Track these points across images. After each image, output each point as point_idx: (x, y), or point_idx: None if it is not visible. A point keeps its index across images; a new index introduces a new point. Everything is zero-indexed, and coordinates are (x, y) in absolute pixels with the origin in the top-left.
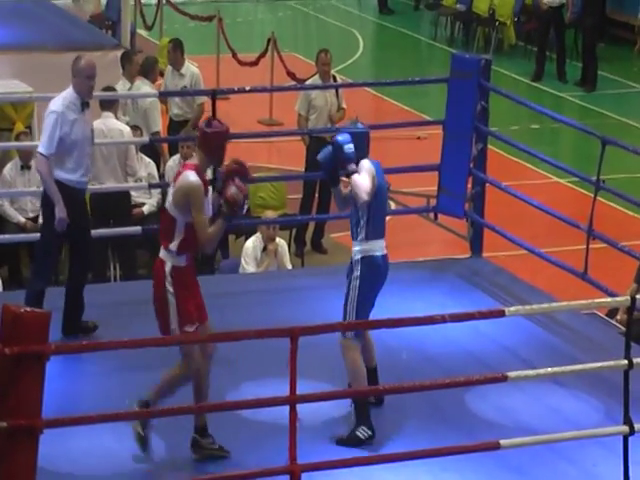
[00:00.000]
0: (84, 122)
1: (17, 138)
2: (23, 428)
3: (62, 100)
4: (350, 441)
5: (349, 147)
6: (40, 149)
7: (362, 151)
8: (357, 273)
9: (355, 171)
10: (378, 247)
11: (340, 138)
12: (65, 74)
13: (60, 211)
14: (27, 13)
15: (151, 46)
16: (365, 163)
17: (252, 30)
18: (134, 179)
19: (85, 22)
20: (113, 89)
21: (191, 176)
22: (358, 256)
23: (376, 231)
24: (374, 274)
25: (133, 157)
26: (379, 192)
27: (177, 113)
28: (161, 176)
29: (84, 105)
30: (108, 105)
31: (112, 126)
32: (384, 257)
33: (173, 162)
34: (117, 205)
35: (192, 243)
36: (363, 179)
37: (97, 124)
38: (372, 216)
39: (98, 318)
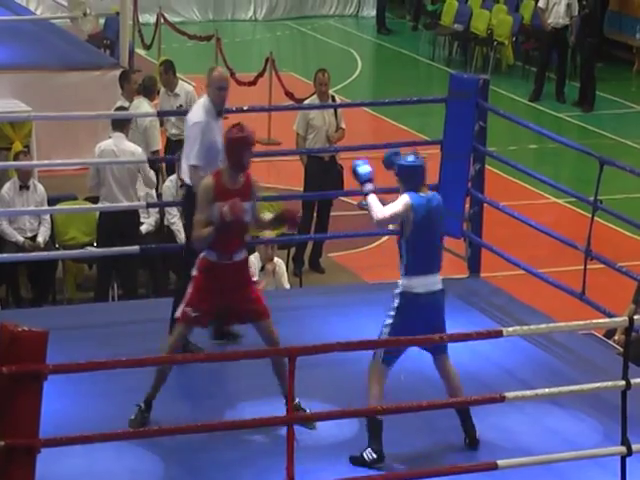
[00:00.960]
0: (219, 129)
1: (16, 157)
2: (20, 447)
3: (202, 109)
4: (356, 461)
5: (362, 169)
6: (191, 162)
7: (409, 183)
8: (393, 305)
9: (369, 192)
10: (418, 284)
11: (355, 161)
12: (63, 93)
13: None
14: (26, 33)
15: (149, 65)
16: (405, 196)
17: (250, 50)
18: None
19: (84, 42)
20: (125, 109)
21: (206, 178)
22: (397, 290)
23: (416, 267)
24: (409, 310)
25: (147, 170)
26: (419, 228)
27: (174, 133)
28: (159, 196)
29: (219, 113)
30: (120, 126)
31: (124, 147)
32: (428, 295)
33: (170, 182)
34: (126, 225)
35: (219, 243)
36: (388, 207)
37: (108, 144)
38: (410, 251)
39: (98, 338)
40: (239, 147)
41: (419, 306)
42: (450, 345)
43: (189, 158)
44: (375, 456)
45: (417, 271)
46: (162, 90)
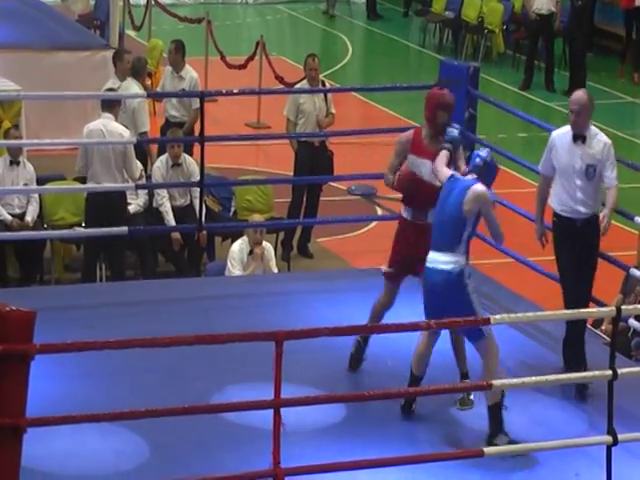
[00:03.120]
0: (574, 154)
1: (6, 133)
2: (7, 427)
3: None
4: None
5: (451, 131)
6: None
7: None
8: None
9: (444, 148)
10: (429, 258)
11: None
12: (53, 73)
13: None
14: (15, 12)
15: (139, 47)
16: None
17: (241, 33)
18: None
19: (73, 22)
20: (114, 90)
21: (408, 131)
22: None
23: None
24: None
25: (132, 161)
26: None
27: (173, 115)
28: (148, 177)
29: (576, 137)
30: (109, 107)
31: (112, 129)
32: (426, 269)
33: (160, 163)
34: (113, 206)
35: (410, 199)
36: (441, 163)
37: (96, 125)
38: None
39: (86, 319)
40: (433, 105)
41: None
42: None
43: None
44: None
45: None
46: (168, 69)
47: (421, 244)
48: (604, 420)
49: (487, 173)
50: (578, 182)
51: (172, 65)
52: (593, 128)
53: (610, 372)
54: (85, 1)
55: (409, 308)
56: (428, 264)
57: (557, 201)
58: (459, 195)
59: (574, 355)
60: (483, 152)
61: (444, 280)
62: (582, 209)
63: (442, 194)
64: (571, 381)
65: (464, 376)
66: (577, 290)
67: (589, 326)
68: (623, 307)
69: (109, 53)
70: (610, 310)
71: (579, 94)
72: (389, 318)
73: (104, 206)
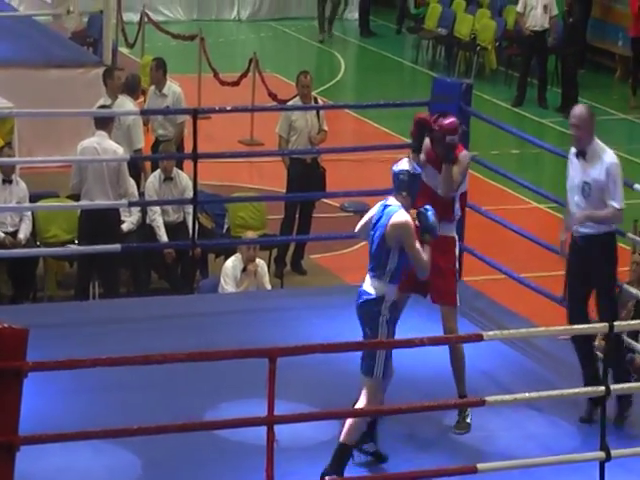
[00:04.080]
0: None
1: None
2: (0, 445)
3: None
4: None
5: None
6: (618, 205)
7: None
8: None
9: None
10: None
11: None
12: (46, 90)
13: None
14: (9, 29)
15: (133, 64)
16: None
17: (234, 50)
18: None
19: (67, 39)
20: (108, 107)
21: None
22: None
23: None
24: None
25: (126, 179)
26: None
27: (162, 133)
28: (141, 193)
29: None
30: (102, 124)
31: (106, 146)
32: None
33: (154, 177)
34: (107, 223)
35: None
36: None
37: (90, 142)
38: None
39: (79, 336)
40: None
41: None
42: (431, 348)
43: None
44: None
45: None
46: (151, 89)
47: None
48: (597, 436)
49: (414, 184)
50: (576, 198)
51: (154, 83)
52: (599, 145)
53: (603, 388)
54: (78, 18)
55: (401, 325)
56: (363, 283)
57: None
58: (383, 224)
59: (592, 376)
60: (403, 165)
61: (363, 304)
62: (579, 227)
63: (374, 219)
64: (563, 397)
65: (461, 398)
66: (573, 314)
67: None
68: (615, 323)
69: (102, 70)
70: (603, 326)
71: (579, 109)
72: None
73: (97, 223)
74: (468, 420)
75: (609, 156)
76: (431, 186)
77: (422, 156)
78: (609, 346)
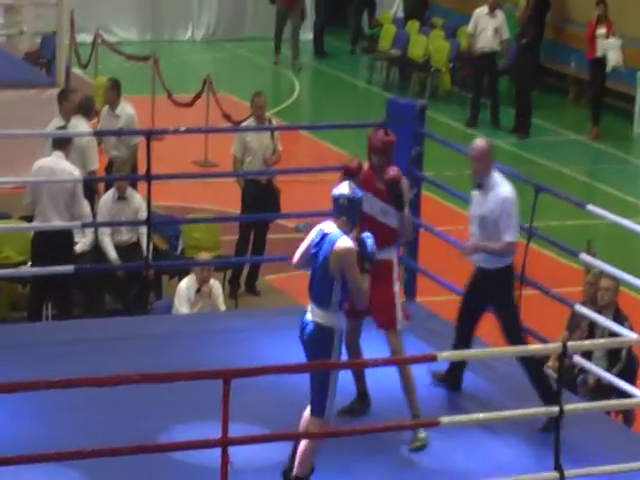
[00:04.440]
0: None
1: None
2: None
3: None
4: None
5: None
6: (510, 238)
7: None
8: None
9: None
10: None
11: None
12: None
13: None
14: None
15: (86, 85)
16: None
17: (188, 71)
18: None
19: (20, 60)
20: (65, 129)
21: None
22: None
23: None
24: None
25: (81, 201)
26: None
27: (115, 155)
28: (95, 214)
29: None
30: (61, 145)
31: (62, 167)
32: (303, 318)
33: (107, 196)
34: (60, 245)
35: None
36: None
37: (46, 162)
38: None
39: (32, 358)
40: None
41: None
42: (385, 369)
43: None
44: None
45: None
46: (104, 109)
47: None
48: (551, 456)
49: (354, 209)
50: (473, 229)
51: (108, 103)
52: (496, 179)
53: (557, 408)
54: (31, 39)
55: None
56: (307, 312)
57: None
58: (325, 252)
59: (544, 392)
60: (344, 189)
61: (312, 333)
62: (476, 257)
63: (313, 247)
64: (518, 417)
65: (415, 418)
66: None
67: None
68: (569, 343)
69: (56, 91)
70: (557, 346)
71: (480, 143)
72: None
73: (51, 244)
74: (422, 435)
75: (504, 190)
76: (368, 211)
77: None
78: (561, 366)
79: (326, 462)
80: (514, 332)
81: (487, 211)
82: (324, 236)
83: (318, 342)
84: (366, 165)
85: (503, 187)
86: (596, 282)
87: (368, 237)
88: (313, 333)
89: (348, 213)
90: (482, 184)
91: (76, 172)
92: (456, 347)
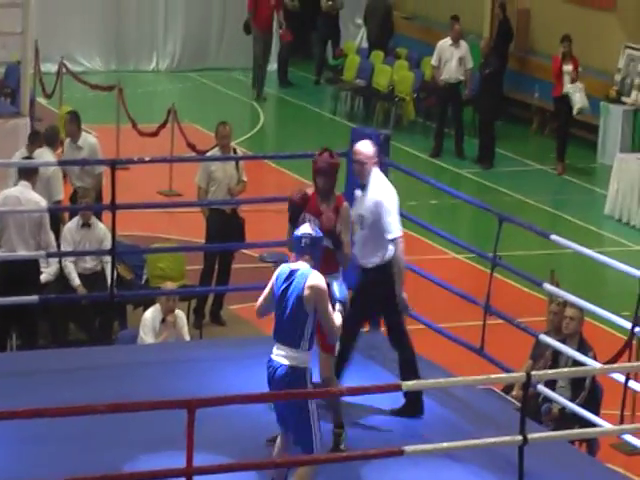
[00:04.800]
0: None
1: None
2: None
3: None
4: None
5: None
6: (396, 234)
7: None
8: None
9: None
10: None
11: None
12: None
13: (401, 291)
14: None
15: (50, 114)
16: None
17: (152, 101)
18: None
19: None
20: (31, 159)
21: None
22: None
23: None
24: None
25: (47, 231)
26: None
27: (79, 185)
28: (59, 244)
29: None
30: (27, 175)
31: (29, 197)
32: (270, 361)
33: (72, 223)
34: (26, 274)
35: None
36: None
37: (12, 192)
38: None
39: None
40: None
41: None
42: (349, 398)
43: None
44: None
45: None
46: (67, 141)
47: None
48: None
49: (316, 247)
50: (357, 228)
51: (69, 136)
52: (374, 180)
53: (520, 437)
54: None
55: None
56: (273, 355)
57: None
58: (299, 288)
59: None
60: (305, 229)
61: (284, 377)
62: (358, 254)
63: (279, 287)
64: (483, 446)
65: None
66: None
67: (500, 392)
68: (533, 373)
69: (20, 121)
70: (520, 376)
71: (365, 145)
72: None
73: (17, 274)
74: (342, 447)
75: (379, 190)
76: None
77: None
78: (525, 395)
79: None
80: (397, 331)
81: (365, 211)
82: (292, 272)
83: (292, 385)
84: (310, 190)
85: (379, 188)
86: (560, 311)
87: (340, 284)
88: (285, 376)
89: (311, 252)
90: (365, 185)
91: (43, 202)
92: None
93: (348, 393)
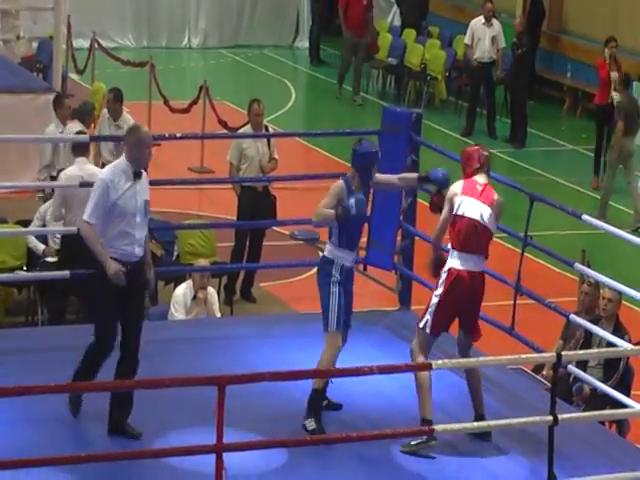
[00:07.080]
0: (135, 192)
1: None
2: None
3: (113, 169)
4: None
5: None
6: (85, 217)
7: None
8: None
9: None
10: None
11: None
12: None
13: (110, 267)
14: None
15: (82, 90)
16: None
17: (184, 77)
18: None
19: (16, 65)
20: (84, 133)
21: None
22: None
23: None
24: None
25: None
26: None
27: (109, 160)
28: None
29: (136, 175)
30: (81, 151)
31: (91, 171)
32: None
33: None
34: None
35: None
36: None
37: (73, 171)
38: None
39: (26, 363)
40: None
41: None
42: (380, 377)
43: (84, 213)
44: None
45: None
46: (105, 118)
47: None
48: (544, 465)
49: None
50: (138, 219)
51: (110, 114)
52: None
53: (551, 418)
54: (28, 44)
55: (351, 353)
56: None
57: None
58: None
59: None
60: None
61: (318, 265)
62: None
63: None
64: (512, 426)
65: (479, 418)
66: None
67: (530, 372)
68: (563, 353)
69: (52, 96)
70: (551, 356)
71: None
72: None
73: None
74: (413, 442)
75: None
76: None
77: None
78: (555, 376)
79: (317, 468)
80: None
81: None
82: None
83: (319, 270)
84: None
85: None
86: (591, 292)
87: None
88: (319, 264)
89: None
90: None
91: (102, 174)
92: None
93: (379, 372)
